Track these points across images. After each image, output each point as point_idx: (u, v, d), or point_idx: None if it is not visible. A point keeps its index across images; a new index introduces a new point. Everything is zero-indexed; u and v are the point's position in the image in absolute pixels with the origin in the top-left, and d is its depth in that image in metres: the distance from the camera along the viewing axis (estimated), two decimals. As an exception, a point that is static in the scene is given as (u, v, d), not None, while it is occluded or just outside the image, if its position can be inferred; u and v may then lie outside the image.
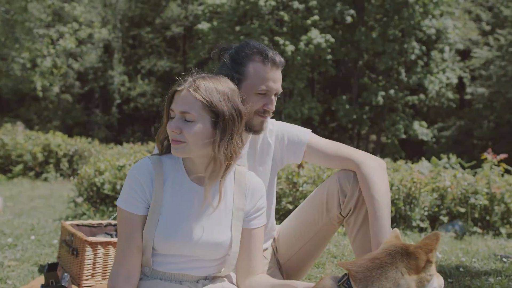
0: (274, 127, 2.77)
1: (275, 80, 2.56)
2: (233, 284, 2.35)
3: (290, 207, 6.06)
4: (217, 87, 2.18)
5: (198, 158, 2.21)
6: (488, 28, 31.07)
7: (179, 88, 2.18)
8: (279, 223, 3.13)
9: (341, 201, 2.61)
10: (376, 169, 2.52)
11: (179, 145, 2.17)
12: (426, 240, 1.93)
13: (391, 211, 6.24)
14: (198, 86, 2.15)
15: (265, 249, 2.88)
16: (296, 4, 24.85)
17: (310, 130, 2.77)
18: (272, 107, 2.56)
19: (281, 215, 6.08)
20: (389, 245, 2.03)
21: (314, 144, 2.72)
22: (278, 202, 6.14)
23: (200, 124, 2.14)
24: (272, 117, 2.71)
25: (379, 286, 1.90)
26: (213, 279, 2.30)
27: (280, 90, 2.61)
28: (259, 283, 2.31)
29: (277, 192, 6.15)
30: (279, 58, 2.59)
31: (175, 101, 2.19)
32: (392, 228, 2.33)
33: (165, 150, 2.33)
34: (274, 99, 2.57)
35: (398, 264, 1.93)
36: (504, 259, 4.31)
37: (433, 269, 1.94)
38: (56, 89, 20.41)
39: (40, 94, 18.90)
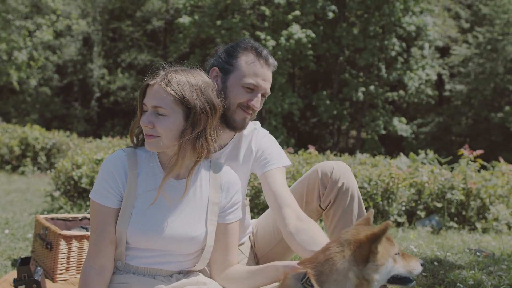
0: (262, 139, 2.73)
1: (265, 78, 2.53)
2: (208, 278, 2.34)
3: (269, 201, 6.05)
4: (189, 81, 2.17)
5: (171, 151, 2.20)
6: (467, 25, 31.45)
7: (151, 82, 2.16)
8: (257, 218, 3.13)
9: (321, 194, 2.61)
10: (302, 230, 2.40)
11: (152, 140, 2.15)
12: (375, 229, 1.92)
13: (369, 206, 6.29)
14: (170, 80, 2.14)
15: (242, 244, 2.88)
16: (277, -1, 24.86)
17: (288, 164, 2.68)
18: (257, 105, 2.52)
19: (260, 209, 6.08)
20: (343, 232, 2.03)
21: (270, 178, 2.59)
22: (257, 196, 6.14)
23: (172, 118, 2.13)
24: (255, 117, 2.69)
25: (333, 280, 1.91)
26: (187, 273, 2.29)
27: (268, 92, 2.57)
28: (235, 273, 2.30)
29: (255, 187, 6.15)
30: (272, 60, 2.59)
31: (147, 95, 2.17)
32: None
33: (140, 143, 2.31)
34: (260, 98, 2.54)
35: (346, 253, 1.92)
36: (478, 253, 4.37)
37: (380, 258, 1.90)
38: (34, 82, 20.06)
39: (17, 87, 18.60)
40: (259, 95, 2.52)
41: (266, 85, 2.54)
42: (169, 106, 2.12)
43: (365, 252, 1.90)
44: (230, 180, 2.35)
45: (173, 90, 2.11)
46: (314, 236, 2.26)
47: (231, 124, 2.52)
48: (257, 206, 6.12)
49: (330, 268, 1.91)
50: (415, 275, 1.96)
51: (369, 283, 1.89)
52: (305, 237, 2.29)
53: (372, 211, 2.09)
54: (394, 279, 1.95)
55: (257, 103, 2.52)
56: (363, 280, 1.89)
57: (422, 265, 2.00)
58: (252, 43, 2.58)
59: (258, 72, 2.51)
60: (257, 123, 2.81)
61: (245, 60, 2.52)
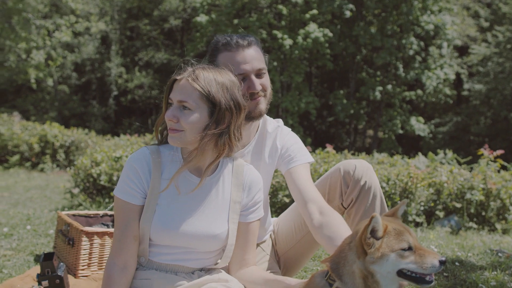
0: (287, 136, 2.75)
1: (245, 60, 2.51)
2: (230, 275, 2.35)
3: (287, 200, 6.05)
4: (216, 78, 2.18)
5: (194, 147, 2.20)
6: (486, 24, 31.08)
7: (178, 77, 2.18)
8: (276, 216, 3.13)
9: (343, 192, 2.61)
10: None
11: (175, 134, 2.16)
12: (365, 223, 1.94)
13: (388, 206, 6.25)
14: (197, 76, 2.15)
15: (264, 241, 2.88)
16: (294, -2, 24.80)
17: (312, 161, 2.70)
18: (256, 87, 2.51)
19: (277, 208, 6.08)
20: (360, 222, 2.09)
21: (295, 173, 2.60)
22: (275, 195, 6.13)
23: (198, 113, 2.14)
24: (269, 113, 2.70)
25: (346, 272, 1.95)
26: (208, 270, 2.30)
27: (259, 67, 2.54)
28: (251, 275, 2.32)
29: (273, 185, 6.15)
30: (244, 40, 2.54)
31: (174, 90, 2.19)
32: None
33: (164, 140, 2.32)
34: (255, 79, 2.52)
35: (352, 244, 1.97)
36: (500, 254, 4.32)
37: (376, 251, 1.89)
38: (50, 82, 20.23)
39: (34, 86, 18.79)
40: (252, 77, 2.51)
41: (252, 64, 2.51)
42: (195, 101, 2.13)
43: (360, 244, 1.93)
44: (252, 179, 2.36)
45: (200, 86, 2.13)
46: (337, 230, 2.27)
47: (249, 115, 2.53)
48: (275, 204, 6.12)
49: (343, 260, 1.97)
50: (429, 272, 1.87)
51: (371, 275, 1.90)
52: (329, 232, 2.29)
53: (405, 201, 2.05)
54: (408, 276, 1.89)
55: (255, 86, 2.50)
56: (366, 272, 1.91)
57: (442, 262, 1.88)
58: (220, 37, 2.57)
59: (236, 60, 2.49)
60: (280, 120, 2.82)
61: (222, 57, 2.52)
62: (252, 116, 2.55)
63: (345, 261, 1.96)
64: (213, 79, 2.17)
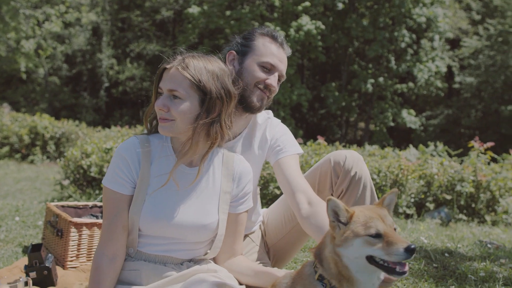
0: (276, 128, 2.76)
1: (281, 59, 2.60)
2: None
3: (277, 192, 6.05)
4: (206, 66, 2.16)
5: (184, 137, 2.19)
6: (478, 17, 31.16)
7: (168, 66, 2.16)
8: (266, 207, 3.13)
9: (333, 182, 2.60)
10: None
11: (166, 123, 2.14)
12: None
13: (378, 197, 6.26)
14: (187, 64, 2.14)
15: (253, 232, 2.87)
16: (287, -10, 24.73)
17: (301, 152, 2.71)
18: (274, 84, 2.57)
19: (268, 199, 6.08)
20: None
21: (284, 165, 2.60)
22: (266, 187, 6.13)
23: (188, 102, 2.12)
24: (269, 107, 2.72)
25: (324, 257, 1.98)
26: (198, 261, 2.29)
27: (284, 75, 2.64)
28: (240, 266, 2.32)
29: (264, 177, 6.14)
30: (287, 47, 2.67)
31: (164, 79, 2.16)
32: None
33: (154, 129, 2.30)
34: (277, 77, 2.59)
35: (329, 232, 2.01)
36: (489, 245, 4.35)
37: (339, 236, 1.91)
38: (42, 71, 20.07)
39: (24, 76, 18.64)
40: (276, 74, 2.59)
41: (282, 66, 2.61)
42: (185, 90, 2.11)
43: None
44: (242, 170, 2.35)
45: (190, 74, 2.11)
46: (325, 219, 2.26)
47: (249, 105, 2.53)
48: (266, 196, 6.12)
49: (323, 245, 2.01)
50: (395, 260, 1.80)
51: (339, 259, 1.91)
52: (316, 221, 2.31)
53: (395, 190, 2.03)
54: (380, 265, 1.85)
55: (274, 82, 2.57)
56: (335, 256, 1.92)
57: (408, 250, 1.77)
58: (269, 29, 2.66)
59: (274, 52, 2.58)
60: (270, 112, 2.82)
61: (262, 42, 2.59)
62: (251, 107, 2.56)
63: (324, 246, 2.00)
64: (203, 67, 2.15)
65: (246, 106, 2.54)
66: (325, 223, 2.24)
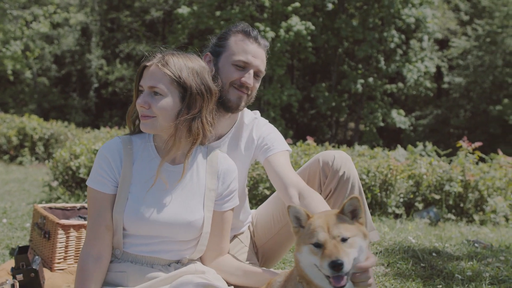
0: (263, 128, 2.75)
1: (255, 55, 2.55)
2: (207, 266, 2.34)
3: (267, 192, 6.05)
4: (186, 63, 2.19)
5: (167, 134, 2.20)
6: (466, 18, 31.36)
7: (148, 64, 2.19)
8: (256, 208, 3.13)
9: (322, 182, 2.61)
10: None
11: (147, 121, 2.15)
12: None
13: (367, 198, 6.29)
14: (167, 61, 2.16)
15: (242, 233, 2.87)
16: (277, -10, 24.73)
17: (289, 150, 2.69)
18: (249, 82, 2.53)
19: (258, 200, 6.08)
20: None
21: (274, 161, 2.59)
22: (255, 187, 6.13)
23: (169, 98, 2.14)
24: (251, 104, 2.69)
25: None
26: (185, 263, 2.28)
27: (261, 69, 2.58)
28: (229, 265, 2.32)
29: (254, 178, 6.14)
30: (262, 40, 2.61)
31: (144, 77, 2.18)
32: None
33: (137, 129, 2.31)
34: (251, 74, 2.54)
35: None
36: (476, 245, 4.38)
37: (295, 244, 1.94)
38: (29, 73, 19.92)
39: (11, 77, 18.50)
40: (251, 71, 2.54)
41: (257, 62, 2.56)
42: (166, 86, 2.13)
43: None
44: (227, 168, 2.35)
45: (170, 71, 2.13)
46: (316, 211, 2.26)
47: (226, 104, 2.52)
48: (256, 197, 6.12)
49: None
50: (325, 273, 1.78)
51: (296, 263, 1.93)
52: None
53: (354, 196, 1.92)
54: (325, 275, 1.82)
55: (249, 79, 2.53)
56: (296, 260, 1.94)
57: (330, 265, 1.73)
58: (242, 25, 2.62)
59: (247, 49, 2.54)
60: (257, 112, 2.82)
61: (234, 40, 2.55)
62: (229, 106, 2.54)
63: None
64: (183, 64, 2.18)
65: (225, 106, 2.53)
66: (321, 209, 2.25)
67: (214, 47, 2.59)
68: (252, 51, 2.55)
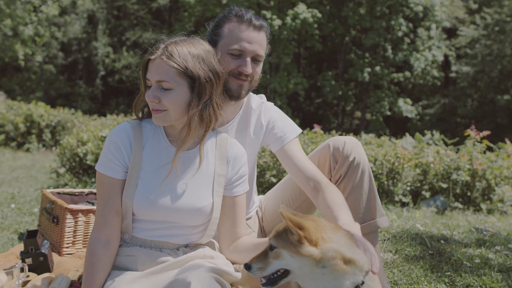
0: (270, 112, 2.73)
1: (250, 41, 2.46)
2: (216, 251, 2.34)
3: (274, 180, 6.05)
4: (190, 51, 2.13)
5: (179, 124, 2.18)
6: (475, 6, 31.06)
7: (152, 57, 2.13)
8: (263, 194, 3.13)
9: (332, 168, 2.60)
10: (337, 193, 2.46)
11: (159, 114, 2.13)
12: None
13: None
14: (171, 52, 2.10)
15: (250, 218, 2.87)
16: (284, -22, 24.58)
17: (300, 131, 2.69)
18: (247, 69, 2.46)
19: (265, 188, 6.08)
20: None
21: (290, 151, 2.60)
22: (262, 175, 6.13)
23: (178, 91, 2.10)
24: (256, 90, 2.67)
25: None
26: (194, 247, 2.28)
27: (259, 53, 2.50)
28: (243, 244, 2.31)
29: (261, 165, 6.14)
30: (258, 22, 2.50)
31: (150, 70, 2.14)
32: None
33: (146, 116, 2.29)
34: (249, 61, 2.47)
35: None
36: (484, 232, 4.36)
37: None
38: (39, 58, 19.92)
39: (22, 63, 18.53)
40: (248, 59, 2.46)
41: (254, 47, 2.47)
42: (173, 79, 2.09)
43: None
44: (236, 153, 2.34)
45: (176, 63, 2.08)
46: (335, 198, 2.34)
47: (228, 93, 2.47)
48: (262, 184, 6.12)
49: None
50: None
51: None
52: (330, 203, 2.34)
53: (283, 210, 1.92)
54: None
55: (247, 67, 2.46)
56: None
57: (245, 266, 1.90)
58: (236, 10, 2.52)
59: (242, 36, 2.45)
60: (263, 96, 2.79)
61: (228, 27, 2.47)
62: (231, 95, 2.49)
63: None
64: (188, 53, 2.12)
65: (228, 95, 2.47)
66: (337, 201, 2.32)
67: (211, 35, 2.52)
68: (246, 37, 2.46)
